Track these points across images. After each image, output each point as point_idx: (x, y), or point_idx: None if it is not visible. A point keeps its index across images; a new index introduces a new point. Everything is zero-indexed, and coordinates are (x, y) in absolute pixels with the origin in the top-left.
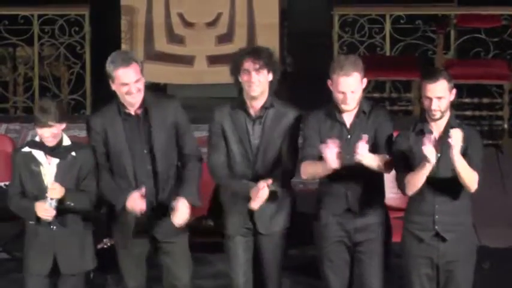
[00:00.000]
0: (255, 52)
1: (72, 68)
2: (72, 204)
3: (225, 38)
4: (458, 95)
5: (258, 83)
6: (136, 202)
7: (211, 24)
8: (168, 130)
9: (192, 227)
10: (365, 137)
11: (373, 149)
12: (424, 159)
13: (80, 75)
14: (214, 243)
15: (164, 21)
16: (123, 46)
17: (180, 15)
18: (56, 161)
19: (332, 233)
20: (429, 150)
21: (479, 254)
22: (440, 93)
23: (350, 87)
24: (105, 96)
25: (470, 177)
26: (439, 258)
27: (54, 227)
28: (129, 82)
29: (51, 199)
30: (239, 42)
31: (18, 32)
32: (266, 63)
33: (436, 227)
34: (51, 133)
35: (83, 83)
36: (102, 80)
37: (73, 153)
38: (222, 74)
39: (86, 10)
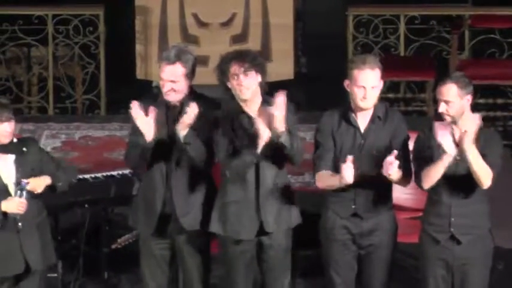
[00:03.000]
0: (239, 56)
1: (87, 68)
2: (60, 184)
3: (240, 38)
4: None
5: (248, 86)
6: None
7: (226, 24)
8: (196, 127)
9: None
10: (395, 152)
11: (389, 154)
12: (442, 151)
13: (94, 75)
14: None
15: (178, 22)
16: (138, 46)
17: (195, 16)
18: (12, 157)
19: (338, 236)
20: (446, 140)
21: (493, 255)
22: (447, 97)
23: (372, 81)
24: (120, 96)
25: (482, 171)
26: (454, 261)
27: (20, 224)
28: (164, 79)
29: (22, 191)
30: (254, 42)
31: (32, 32)
32: (252, 65)
33: (452, 229)
34: (10, 128)
35: (97, 83)
36: (116, 79)
37: (24, 149)
38: None
39: (101, 10)
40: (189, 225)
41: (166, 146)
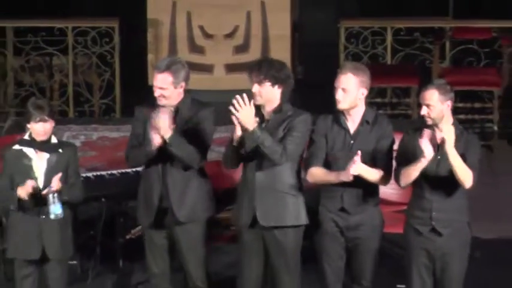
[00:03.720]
0: (258, 65)
1: (103, 76)
2: (66, 198)
3: (242, 48)
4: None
5: (259, 95)
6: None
7: (229, 36)
8: (188, 129)
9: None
10: (359, 153)
11: (374, 156)
12: (420, 154)
13: (110, 82)
14: (227, 234)
15: (186, 33)
16: (149, 56)
17: (201, 28)
18: (46, 156)
19: (328, 228)
20: (425, 144)
21: (471, 245)
22: (428, 101)
23: (342, 83)
24: (133, 100)
25: (464, 173)
26: (435, 251)
27: (43, 217)
28: (155, 85)
29: (54, 193)
30: (254, 52)
31: (54, 43)
32: (267, 75)
33: (433, 223)
34: (44, 128)
35: (113, 89)
36: (130, 86)
37: (60, 150)
38: (238, 81)
39: (116, 23)
40: (184, 218)
41: (162, 147)
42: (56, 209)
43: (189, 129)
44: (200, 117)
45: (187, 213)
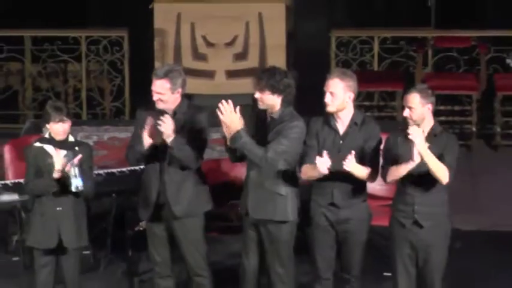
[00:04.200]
0: (260, 75)
1: (114, 81)
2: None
3: (241, 56)
4: (435, 103)
5: (261, 101)
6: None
7: (229, 44)
8: (184, 132)
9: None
10: (353, 152)
11: (362, 156)
12: (405, 153)
13: (120, 87)
14: (229, 227)
15: (190, 42)
16: (156, 63)
17: (204, 37)
18: (64, 153)
19: (319, 222)
20: (415, 151)
21: (452, 236)
22: (411, 104)
23: (329, 87)
24: (141, 104)
25: (439, 171)
26: (417, 242)
27: (60, 208)
28: (153, 90)
29: (75, 166)
30: (252, 59)
31: (69, 51)
32: (267, 85)
33: (415, 216)
34: (63, 128)
35: (123, 93)
36: (138, 90)
37: (76, 148)
38: (238, 86)
39: (125, 33)
40: (181, 213)
41: (160, 147)
42: (77, 182)
43: (185, 131)
44: (196, 120)
45: (183, 208)
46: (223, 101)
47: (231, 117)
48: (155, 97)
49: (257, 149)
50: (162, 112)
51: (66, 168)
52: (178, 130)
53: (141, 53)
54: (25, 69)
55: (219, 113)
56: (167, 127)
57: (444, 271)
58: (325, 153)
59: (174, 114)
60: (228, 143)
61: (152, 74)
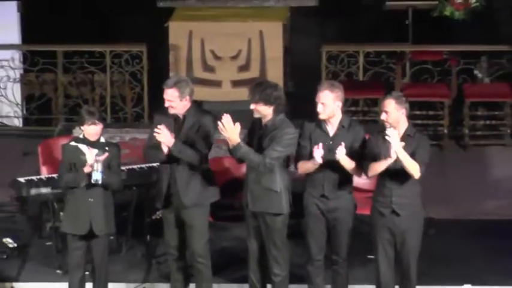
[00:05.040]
0: (253, 89)
1: (134, 89)
2: (106, 178)
3: (244, 67)
4: (411, 108)
5: (256, 111)
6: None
7: (234, 58)
8: (192, 132)
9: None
10: (343, 144)
11: (350, 153)
12: (384, 152)
13: (140, 95)
14: (234, 215)
15: (200, 56)
16: (171, 73)
17: (212, 51)
18: (95, 151)
19: (312, 211)
20: (393, 149)
21: (425, 224)
22: (387, 108)
23: (320, 99)
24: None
25: (411, 167)
26: (395, 228)
27: (91, 199)
28: (165, 98)
29: (98, 162)
30: (254, 71)
31: (95, 63)
32: (260, 98)
33: (393, 206)
34: (95, 130)
35: (142, 100)
36: (155, 97)
37: (106, 148)
38: (242, 94)
39: (144, 48)
40: (189, 202)
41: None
42: (97, 175)
43: (193, 133)
44: (202, 123)
45: (191, 198)
46: (224, 117)
47: (231, 132)
48: (167, 104)
49: (256, 157)
50: (175, 117)
51: (90, 162)
52: (187, 132)
53: (158, 65)
54: (57, 79)
55: (219, 129)
56: (163, 137)
57: (418, 253)
58: (320, 145)
59: (184, 118)
60: (230, 153)
61: (163, 85)
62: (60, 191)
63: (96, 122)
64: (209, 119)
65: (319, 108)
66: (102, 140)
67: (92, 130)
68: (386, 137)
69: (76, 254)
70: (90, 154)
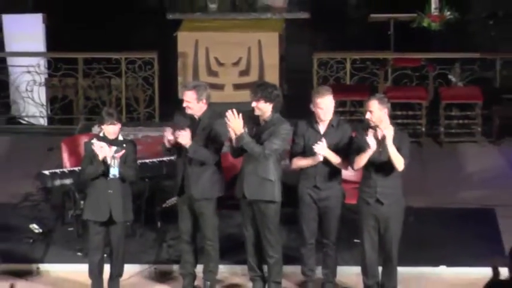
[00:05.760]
0: (255, 88)
1: (146, 92)
2: (122, 171)
3: (244, 72)
4: (393, 109)
5: (257, 108)
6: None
7: (236, 64)
8: (205, 133)
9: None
10: (324, 140)
11: (338, 149)
12: (367, 146)
13: (152, 97)
14: (236, 204)
15: (205, 62)
16: (179, 78)
17: (216, 58)
18: (114, 148)
19: (305, 200)
20: (370, 140)
21: (406, 212)
22: (370, 108)
23: (320, 104)
24: (168, 110)
25: (397, 160)
26: (379, 216)
27: (111, 191)
28: (184, 99)
29: (115, 159)
30: (253, 75)
31: (112, 69)
32: (261, 96)
33: (377, 196)
34: (113, 130)
35: (153, 102)
36: (165, 99)
37: (124, 145)
38: (242, 96)
39: (155, 55)
40: (199, 195)
41: (185, 148)
42: (114, 171)
43: (207, 133)
44: (216, 124)
45: (200, 193)
46: (230, 111)
47: (236, 123)
48: (185, 104)
49: (257, 147)
50: (191, 117)
51: (107, 158)
52: (201, 132)
53: (167, 70)
54: (78, 83)
55: (226, 120)
56: (184, 138)
57: (399, 238)
58: (323, 140)
59: (199, 120)
60: (234, 143)
61: (182, 87)
62: (80, 181)
63: (115, 122)
64: (221, 122)
65: (322, 114)
66: (120, 138)
67: (110, 129)
68: (383, 133)
69: (96, 238)
70: (104, 150)
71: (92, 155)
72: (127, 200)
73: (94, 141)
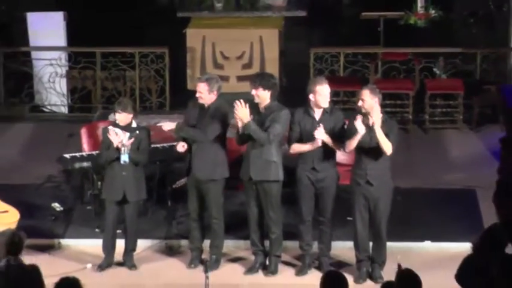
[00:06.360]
0: (254, 77)
1: (158, 83)
2: (135, 156)
3: (247, 65)
4: (382, 99)
5: (256, 96)
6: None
7: (239, 57)
8: (214, 120)
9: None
10: (321, 126)
11: (332, 133)
12: (355, 131)
13: (163, 88)
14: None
15: (211, 56)
16: (188, 71)
17: (221, 52)
18: (127, 134)
19: (303, 181)
20: (358, 124)
21: (394, 192)
22: (362, 97)
23: (321, 92)
24: (178, 99)
25: (385, 145)
26: (369, 195)
27: (124, 173)
28: (197, 89)
29: (125, 147)
30: (255, 68)
31: (127, 62)
32: (260, 84)
33: (368, 177)
34: (120, 117)
35: (164, 92)
36: (175, 90)
37: (137, 132)
38: (245, 87)
39: (167, 49)
40: (204, 177)
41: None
42: (125, 157)
43: (213, 119)
44: (221, 109)
45: (206, 174)
46: (237, 101)
47: (243, 112)
48: (197, 94)
49: (262, 134)
50: (202, 106)
51: (119, 145)
52: (209, 118)
53: (177, 63)
54: (96, 75)
55: (234, 110)
56: (167, 126)
57: (388, 216)
58: (321, 126)
59: (209, 108)
60: (240, 130)
61: (197, 79)
62: (97, 164)
63: (120, 111)
64: (229, 109)
65: (323, 99)
66: (134, 124)
67: (117, 116)
68: (372, 120)
69: (111, 216)
70: (117, 137)
71: (109, 141)
72: (140, 181)
73: (110, 127)
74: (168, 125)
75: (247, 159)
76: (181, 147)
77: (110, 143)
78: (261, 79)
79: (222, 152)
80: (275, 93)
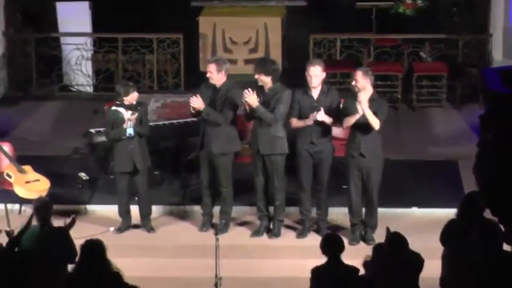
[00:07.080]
0: (256, 64)
1: (174, 66)
2: (138, 129)
3: (254, 50)
4: (374, 80)
5: (259, 80)
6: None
7: (246, 43)
8: (223, 100)
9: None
10: (322, 109)
11: (329, 111)
12: (354, 110)
13: (178, 70)
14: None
15: (221, 41)
16: (200, 54)
17: (230, 38)
18: (130, 111)
19: (303, 154)
20: (359, 106)
21: (384, 163)
22: (356, 77)
23: (314, 72)
24: (192, 80)
25: (373, 121)
26: (362, 166)
27: (132, 146)
28: (207, 70)
29: (130, 121)
30: (260, 53)
31: (145, 46)
32: (262, 70)
33: (361, 150)
34: (132, 97)
35: (179, 74)
36: (189, 71)
37: (138, 107)
38: (251, 69)
39: (181, 35)
40: (215, 150)
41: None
42: (130, 130)
43: (224, 99)
44: (232, 93)
45: (217, 148)
46: (246, 90)
47: (251, 99)
48: (208, 74)
49: (269, 115)
50: (213, 87)
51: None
52: (220, 99)
53: (191, 48)
54: (118, 58)
55: (245, 96)
56: (196, 103)
57: (379, 185)
58: (322, 109)
59: (219, 89)
60: (248, 111)
61: (207, 61)
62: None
63: (132, 90)
64: (239, 91)
65: (314, 80)
66: (134, 103)
67: (134, 96)
68: (358, 99)
69: (122, 185)
70: (127, 113)
71: (113, 120)
72: (145, 151)
73: (122, 110)
74: (197, 102)
75: (255, 134)
76: (192, 108)
77: (115, 122)
78: (262, 66)
79: (233, 128)
80: (276, 77)
